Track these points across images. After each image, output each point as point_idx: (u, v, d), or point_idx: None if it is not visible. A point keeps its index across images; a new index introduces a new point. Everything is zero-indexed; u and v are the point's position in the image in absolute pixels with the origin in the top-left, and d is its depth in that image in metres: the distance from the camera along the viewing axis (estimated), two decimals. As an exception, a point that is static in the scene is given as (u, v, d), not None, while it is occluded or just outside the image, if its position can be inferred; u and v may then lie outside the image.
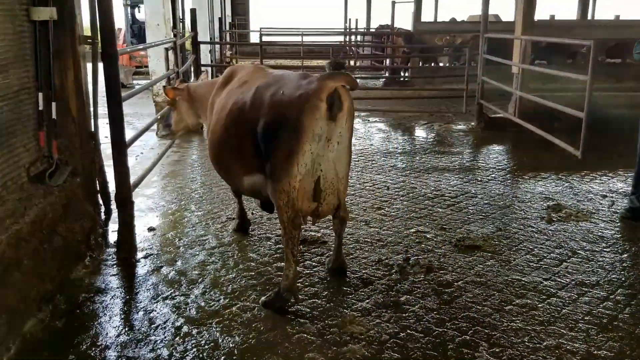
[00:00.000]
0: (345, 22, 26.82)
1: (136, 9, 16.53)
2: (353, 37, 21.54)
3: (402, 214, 5.11)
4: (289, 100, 3.19)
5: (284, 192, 3.25)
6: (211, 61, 13.72)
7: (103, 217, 4.44)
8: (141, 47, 4.87)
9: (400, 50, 14.77)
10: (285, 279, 3.41)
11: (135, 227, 4.12)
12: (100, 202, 4.39)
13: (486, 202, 5.50)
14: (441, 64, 16.37)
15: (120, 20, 15.98)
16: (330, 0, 28.44)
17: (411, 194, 5.72)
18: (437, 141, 8.36)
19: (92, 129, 4.24)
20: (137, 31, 15.87)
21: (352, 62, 18.85)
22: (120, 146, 3.90)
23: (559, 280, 3.85)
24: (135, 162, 7.14)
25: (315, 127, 3.13)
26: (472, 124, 9.45)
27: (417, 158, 7.25)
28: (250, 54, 23.44)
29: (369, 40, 18.14)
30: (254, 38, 27.78)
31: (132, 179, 4.20)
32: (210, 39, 14.58)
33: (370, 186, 5.99)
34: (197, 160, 7.22)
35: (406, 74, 15.60)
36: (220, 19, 15.79)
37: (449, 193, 5.77)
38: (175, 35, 8.59)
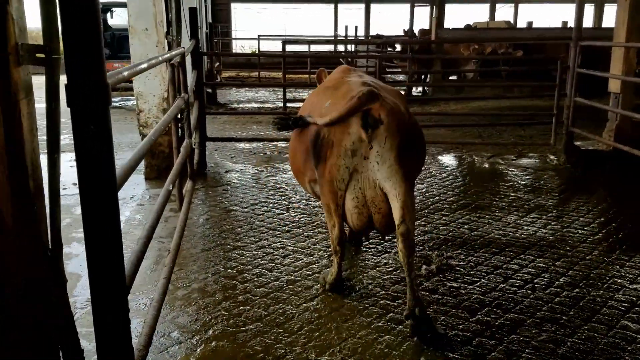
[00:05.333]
0: (336, 29, 24.80)
1: (108, 14, 14.05)
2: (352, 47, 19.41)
3: None
4: (327, 110, 3.23)
5: (327, 209, 3.35)
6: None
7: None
8: (145, 64, 2.56)
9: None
10: (329, 274, 3.65)
11: None
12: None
13: None
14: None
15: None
16: (320, 9, 26.26)
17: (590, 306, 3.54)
18: (528, 186, 6.23)
19: (50, 255, 1.94)
20: (110, 40, 13.37)
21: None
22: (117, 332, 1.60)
23: None
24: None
25: (346, 142, 3.11)
26: (552, 157, 7.38)
27: (538, 224, 5.10)
28: (234, 65, 21.10)
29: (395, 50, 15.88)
30: (237, 48, 25.49)
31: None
32: (200, 48, 12.20)
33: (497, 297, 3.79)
34: (210, 224, 4.90)
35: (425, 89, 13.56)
36: (210, 25, 13.45)
37: None
38: (170, 44, 6.31)
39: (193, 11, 6.65)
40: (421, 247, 4.40)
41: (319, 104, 3.42)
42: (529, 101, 11.58)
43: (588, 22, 20.54)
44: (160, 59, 3.04)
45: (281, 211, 5.29)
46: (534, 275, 3.93)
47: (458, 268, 4.02)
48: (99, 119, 1.48)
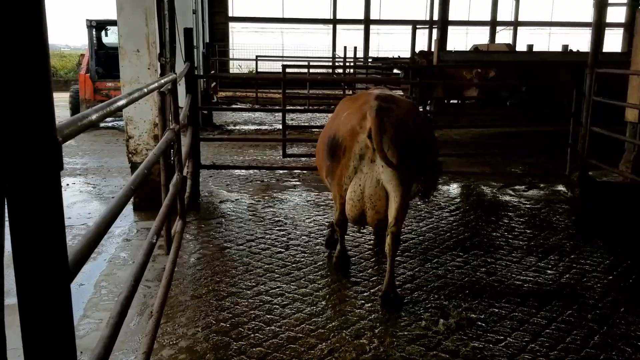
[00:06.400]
0: (334, 50, 24.51)
1: (103, 32, 13.69)
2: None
3: None
4: (341, 121, 3.86)
5: (334, 197, 3.98)
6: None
7: None
8: (124, 100, 2.17)
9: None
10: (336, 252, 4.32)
11: None
12: None
13: None
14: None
15: (83, 44, 13.13)
16: (318, 29, 26.06)
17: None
18: (544, 222, 5.81)
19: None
20: (104, 58, 12.99)
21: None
22: None
23: None
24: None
25: (356, 148, 3.63)
26: (562, 189, 6.98)
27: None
28: (231, 84, 20.76)
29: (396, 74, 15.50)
30: (234, 67, 25.18)
31: None
32: (196, 69, 11.83)
33: None
34: (202, 264, 4.45)
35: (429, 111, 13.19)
36: (208, 45, 13.12)
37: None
38: (163, 66, 5.91)
39: (188, 32, 6.28)
40: (436, 296, 3.96)
41: (340, 112, 4.01)
42: (533, 127, 11.23)
43: (585, 46, 20.36)
44: (145, 90, 2.63)
45: (280, 249, 4.85)
46: (565, 332, 3.50)
47: (479, 323, 3.58)
48: (44, 192, 1.06)
